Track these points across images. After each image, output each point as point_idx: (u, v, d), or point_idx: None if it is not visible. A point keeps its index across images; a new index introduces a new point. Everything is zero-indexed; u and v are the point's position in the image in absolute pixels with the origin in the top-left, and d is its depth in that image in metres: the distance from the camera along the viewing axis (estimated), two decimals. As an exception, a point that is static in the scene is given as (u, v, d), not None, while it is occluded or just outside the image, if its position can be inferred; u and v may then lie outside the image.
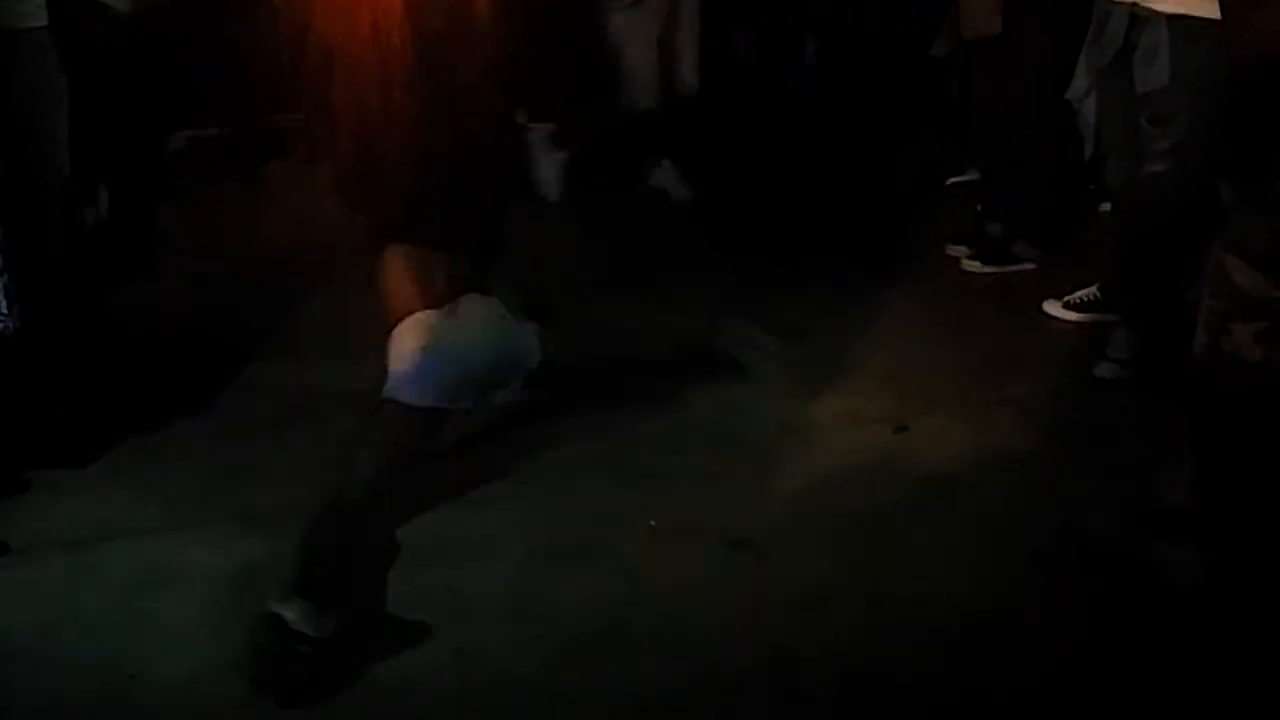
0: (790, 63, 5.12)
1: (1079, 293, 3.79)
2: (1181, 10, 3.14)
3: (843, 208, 4.57)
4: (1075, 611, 2.50)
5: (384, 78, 4.83)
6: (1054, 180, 4.06)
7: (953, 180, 4.79)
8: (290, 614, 2.27)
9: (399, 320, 2.62)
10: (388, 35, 4.89)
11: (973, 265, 4.18)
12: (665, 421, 3.20)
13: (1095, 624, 2.46)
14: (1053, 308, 3.82)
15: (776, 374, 3.47)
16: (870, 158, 4.81)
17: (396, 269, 2.70)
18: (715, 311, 3.85)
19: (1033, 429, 3.21)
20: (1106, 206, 4.22)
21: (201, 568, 2.60)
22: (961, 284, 4.12)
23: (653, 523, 2.79)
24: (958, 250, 4.24)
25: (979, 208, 4.34)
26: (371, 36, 4.73)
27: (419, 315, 2.59)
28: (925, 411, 3.28)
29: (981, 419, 3.26)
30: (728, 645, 2.41)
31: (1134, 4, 3.22)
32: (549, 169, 4.57)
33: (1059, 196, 4.16)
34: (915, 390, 3.40)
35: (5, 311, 2.87)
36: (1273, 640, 2.30)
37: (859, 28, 4.88)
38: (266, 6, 4.98)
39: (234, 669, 2.29)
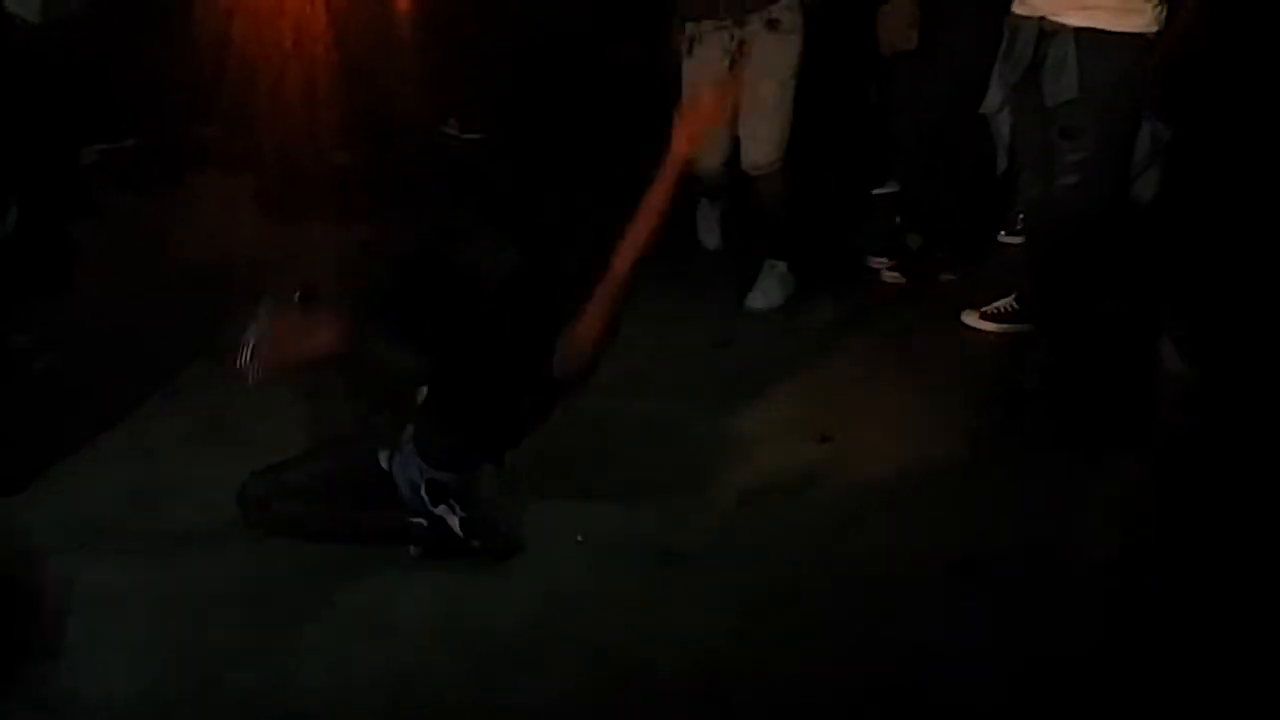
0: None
1: (996, 303, 3.85)
2: (1089, 24, 3.21)
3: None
4: (1001, 622, 2.53)
5: (306, 89, 4.81)
6: (972, 192, 4.13)
7: (875, 191, 4.84)
8: None
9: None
10: (309, 47, 4.86)
11: (893, 276, 4.24)
12: (592, 434, 3.20)
13: (1023, 636, 2.49)
14: (970, 318, 3.88)
15: (704, 386, 3.49)
16: (794, 168, 4.84)
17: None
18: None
19: (953, 439, 3.24)
20: (1004, 238, 4.31)
21: (117, 592, 2.54)
22: (883, 295, 4.18)
23: (580, 538, 2.78)
24: (879, 262, 4.30)
25: (898, 219, 4.40)
26: (293, 48, 4.71)
27: None
28: (849, 422, 3.32)
29: (903, 429, 3.30)
30: (657, 659, 2.40)
31: (1042, 18, 3.29)
32: None
33: (977, 208, 4.23)
34: (839, 401, 3.44)
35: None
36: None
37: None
38: (185, 18, 4.95)
39: (149, 695, 2.25)
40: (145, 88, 5.13)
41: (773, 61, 3.84)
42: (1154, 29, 3.23)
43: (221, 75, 4.89)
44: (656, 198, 2.48)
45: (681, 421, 3.31)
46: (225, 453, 3.07)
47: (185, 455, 3.10)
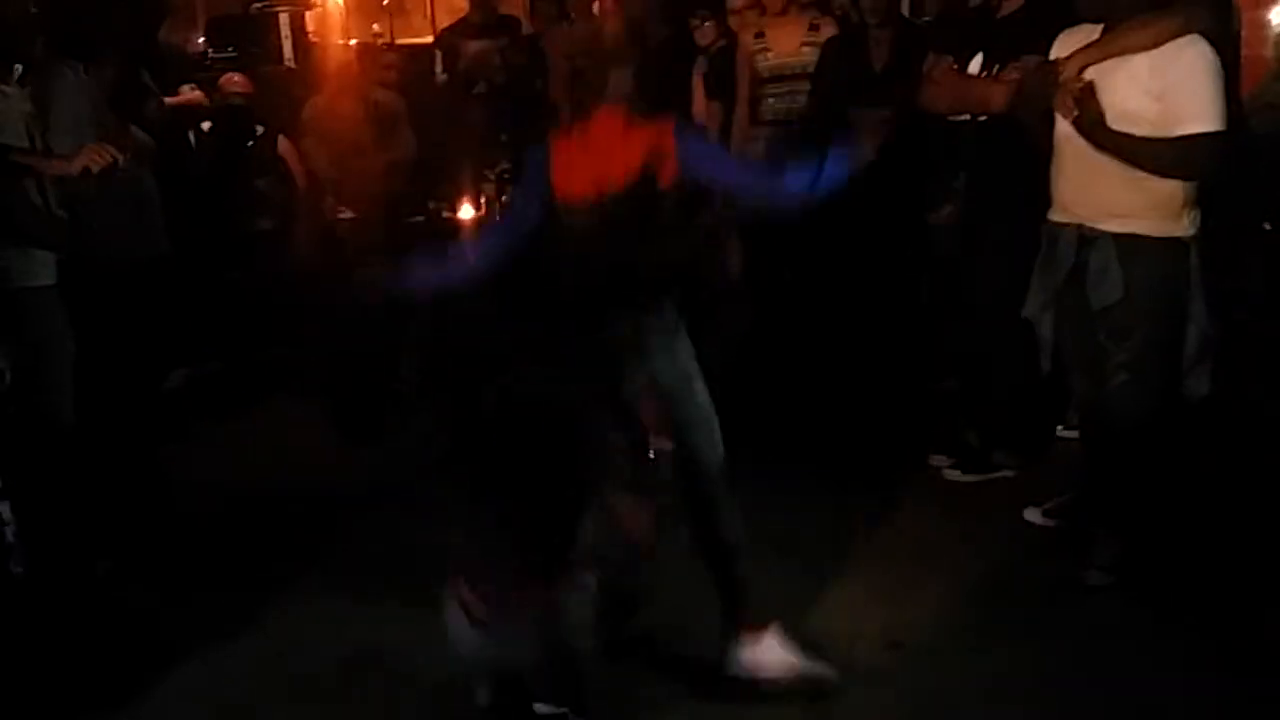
0: (768, 279, 5.30)
1: (1058, 500, 3.87)
2: (1128, 230, 3.34)
3: (825, 418, 4.69)
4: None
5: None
6: (1025, 390, 4.18)
7: (934, 388, 4.91)
8: None
9: None
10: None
11: (954, 474, 4.27)
12: (661, 657, 3.21)
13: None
14: (1033, 515, 3.89)
15: (772, 590, 3.51)
16: (851, 369, 4.94)
17: None
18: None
19: (1024, 640, 3.23)
20: (1063, 433, 4.35)
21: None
22: (944, 493, 4.20)
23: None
24: (939, 460, 4.34)
25: (960, 418, 4.46)
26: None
27: None
28: (917, 625, 3.32)
29: (972, 631, 3.29)
30: None
31: (1081, 225, 3.42)
32: None
33: (1032, 406, 4.28)
34: (906, 604, 3.45)
35: (13, 556, 2.96)
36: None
37: (834, 245, 5.07)
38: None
39: None
40: (225, 312, 5.44)
41: None
42: (1191, 232, 3.35)
43: (298, 298, 5.19)
44: None
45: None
46: (300, 676, 3.14)
47: (263, 678, 3.17)
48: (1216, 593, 3.38)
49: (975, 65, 4.02)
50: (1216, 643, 3.16)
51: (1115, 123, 3.29)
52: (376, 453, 4.57)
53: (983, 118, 3.95)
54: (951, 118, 4.09)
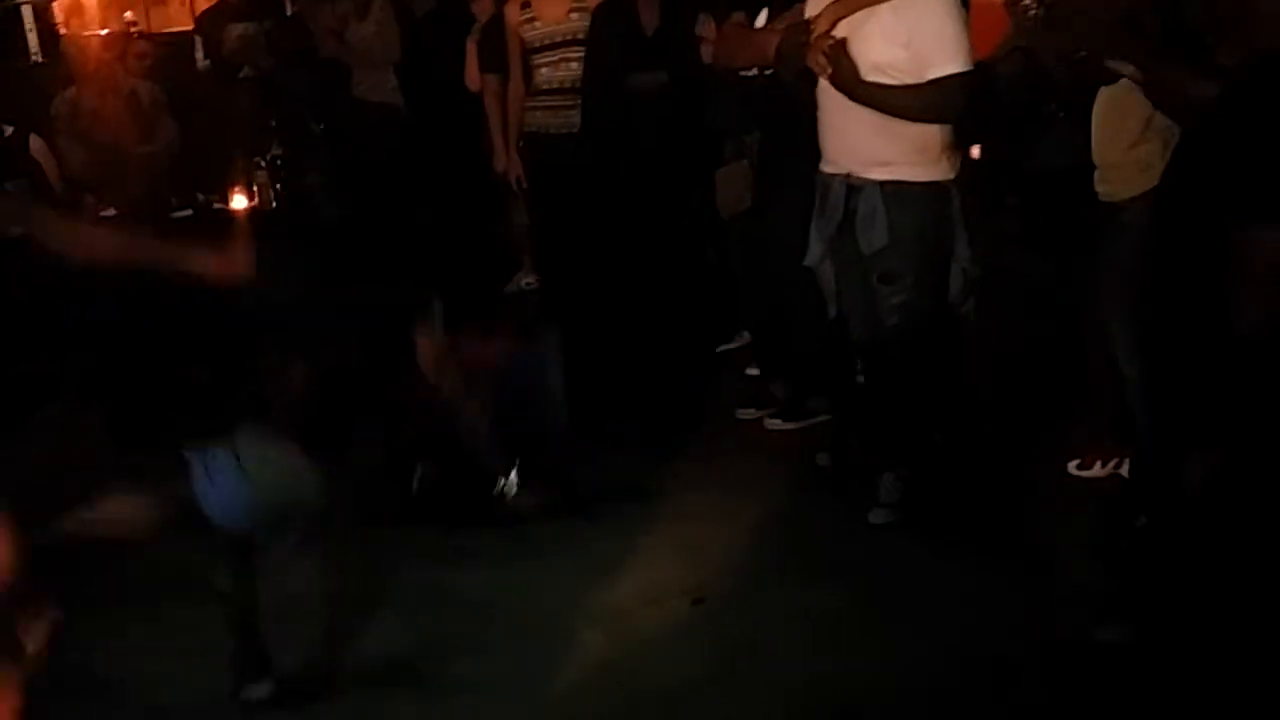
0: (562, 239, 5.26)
1: (849, 443, 3.97)
2: (891, 177, 3.43)
3: (621, 380, 4.69)
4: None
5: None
6: (823, 337, 4.20)
7: (723, 347, 4.98)
8: None
9: None
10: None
11: (775, 423, 4.33)
12: (461, 617, 3.19)
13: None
14: (824, 459, 3.98)
15: (580, 558, 3.51)
16: (644, 330, 4.95)
17: None
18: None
19: (820, 582, 3.30)
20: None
21: None
22: (742, 444, 4.26)
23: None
24: (747, 413, 4.40)
25: (755, 370, 4.52)
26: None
27: None
28: (720, 579, 3.36)
29: (771, 578, 3.36)
30: None
31: (849, 174, 3.49)
32: None
33: (833, 351, 4.33)
34: (709, 558, 3.48)
35: None
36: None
37: (628, 201, 5.06)
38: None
39: None
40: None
41: None
42: (951, 175, 3.47)
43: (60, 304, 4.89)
44: None
45: (551, 597, 3.31)
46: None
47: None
48: (992, 523, 3.54)
49: (761, 19, 4.06)
50: (994, 571, 3.30)
51: (869, 74, 3.37)
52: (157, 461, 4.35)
53: (769, 71, 3.98)
54: (742, 73, 4.10)
